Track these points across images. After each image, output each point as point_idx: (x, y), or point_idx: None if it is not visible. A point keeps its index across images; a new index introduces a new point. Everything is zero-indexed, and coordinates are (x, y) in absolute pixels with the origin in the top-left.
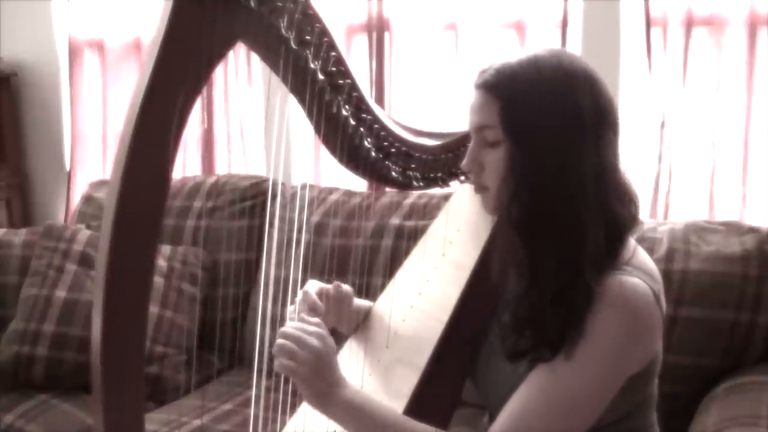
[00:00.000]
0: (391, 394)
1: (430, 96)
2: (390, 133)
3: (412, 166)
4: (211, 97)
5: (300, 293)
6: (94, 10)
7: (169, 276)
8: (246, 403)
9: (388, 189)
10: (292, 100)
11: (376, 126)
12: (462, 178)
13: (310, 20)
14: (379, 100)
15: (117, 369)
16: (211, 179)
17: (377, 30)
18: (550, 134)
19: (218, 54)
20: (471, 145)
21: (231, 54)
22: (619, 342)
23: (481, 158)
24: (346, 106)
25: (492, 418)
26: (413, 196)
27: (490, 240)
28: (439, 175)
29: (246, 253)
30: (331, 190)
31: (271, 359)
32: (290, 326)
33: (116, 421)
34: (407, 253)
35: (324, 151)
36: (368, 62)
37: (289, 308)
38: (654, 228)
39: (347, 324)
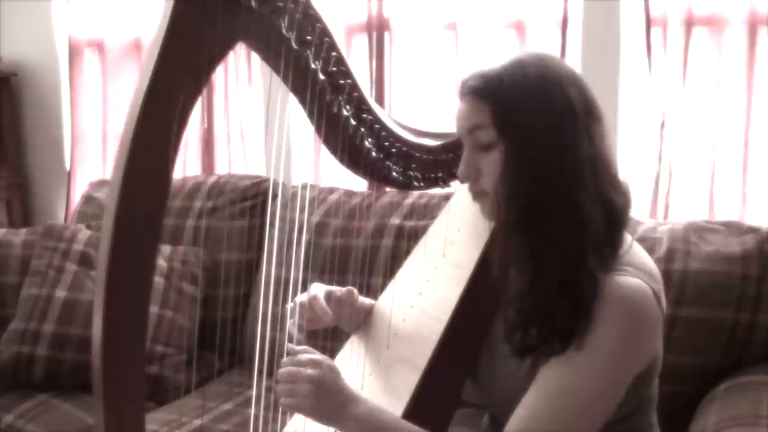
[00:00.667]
0: (392, 394)
1: (430, 96)
2: (390, 133)
3: (413, 166)
4: (211, 97)
5: (298, 298)
6: (94, 10)
7: (169, 276)
8: (246, 403)
9: (388, 189)
10: (293, 100)
11: (376, 126)
12: None
13: (310, 20)
14: (379, 100)
15: (117, 369)
16: (211, 179)
17: (377, 30)
18: (545, 129)
19: (219, 54)
20: (464, 151)
21: (231, 54)
22: (622, 342)
23: (476, 163)
24: (347, 107)
25: (492, 418)
26: (413, 196)
27: (491, 240)
28: (440, 175)
29: (246, 253)
30: (331, 190)
31: (271, 359)
32: (284, 363)
33: (116, 421)
34: (407, 253)
35: (324, 151)
36: (368, 62)
37: (288, 322)
38: (654, 228)
39: (350, 322)
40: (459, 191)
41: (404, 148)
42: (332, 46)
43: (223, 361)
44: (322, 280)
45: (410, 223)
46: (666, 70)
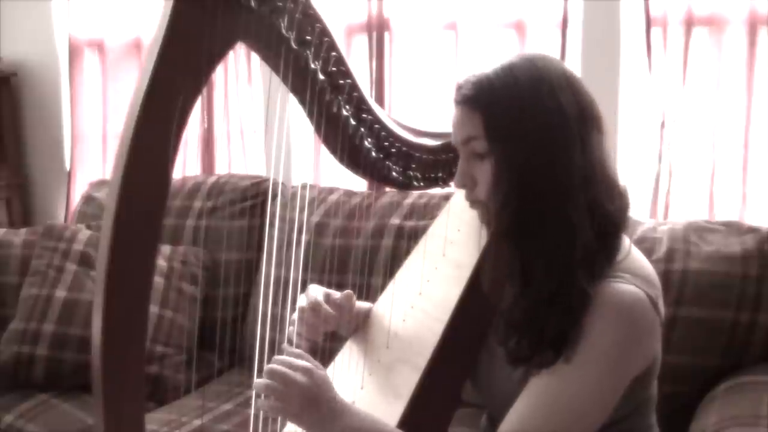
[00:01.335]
0: (392, 394)
1: (430, 96)
2: (390, 133)
3: (413, 166)
4: (211, 97)
5: (299, 304)
6: (94, 10)
7: (169, 276)
8: (246, 403)
9: (388, 189)
10: (293, 100)
11: (376, 126)
12: None
13: (310, 20)
14: (379, 100)
15: (117, 369)
16: (211, 179)
17: (377, 30)
18: (535, 139)
19: (219, 54)
20: (460, 161)
21: (231, 54)
22: (617, 348)
23: (472, 172)
24: (347, 106)
25: (491, 419)
26: (413, 196)
27: (488, 245)
28: (440, 175)
29: (246, 253)
30: (331, 190)
31: (271, 359)
32: (276, 361)
33: (116, 421)
34: (407, 253)
35: (324, 151)
36: (368, 62)
37: (288, 329)
38: (654, 228)
39: (349, 327)
40: (459, 191)
41: (404, 148)
42: (332, 46)
43: (223, 361)
44: (321, 281)
45: (410, 223)
46: (666, 70)
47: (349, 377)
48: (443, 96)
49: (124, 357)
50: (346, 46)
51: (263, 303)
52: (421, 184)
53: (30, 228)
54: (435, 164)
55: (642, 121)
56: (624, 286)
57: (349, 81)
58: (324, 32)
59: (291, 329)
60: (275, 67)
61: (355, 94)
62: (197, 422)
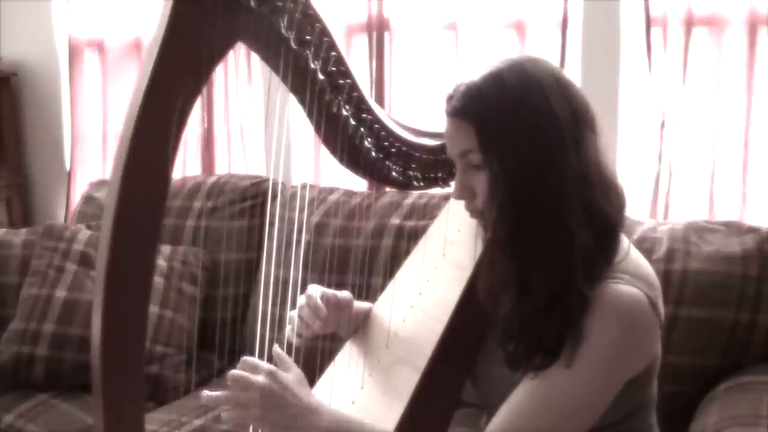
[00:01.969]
0: (392, 394)
1: (430, 96)
2: (390, 133)
3: (413, 166)
4: (211, 97)
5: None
6: (94, 10)
7: (169, 276)
8: None
9: (388, 189)
10: (292, 100)
11: (376, 126)
12: None
13: (310, 20)
14: (379, 100)
15: (117, 369)
16: (211, 179)
17: (377, 30)
18: (528, 145)
19: (218, 54)
20: (457, 173)
21: (231, 54)
22: (614, 350)
23: (470, 183)
24: (347, 106)
25: (490, 419)
26: (413, 196)
27: (483, 254)
28: (440, 175)
29: (246, 253)
30: (331, 190)
31: (271, 359)
32: (240, 366)
33: (116, 421)
34: (407, 253)
35: (324, 151)
36: (368, 62)
37: (287, 329)
38: (654, 228)
39: (348, 327)
40: None
41: (404, 148)
42: (332, 45)
43: (223, 361)
44: (321, 281)
45: (410, 223)
46: (666, 70)
47: (349, 377)
48: (443, 96)
49: (124, 357)
50: (346, 46)
51: (263, 303)
52: (421, 184)
53: (30, 228)
54: (435, 164)
55: (642, 121)
56: (623, 288)
57: (348, 81)
58: (324, 32)
59: (290, 328)
60: (275, 67)
61: (355, 94)
62: (197, 422)
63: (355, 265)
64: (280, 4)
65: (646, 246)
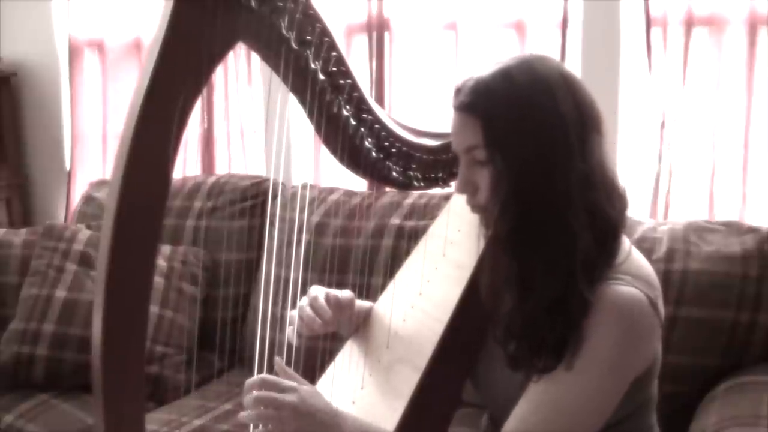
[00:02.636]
0: (392, 394)
1: (430, 96)
2: (391, 133)
3: (413, 166)
4: (211, 97)
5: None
6: (94, 10)
7: (169, 276)
8: None
9: (388, 189)
10: (293, 100)
11: (376, 126)
12: None
13: (310, 20)
14: (379, 100)
15: (117, 369)
16: (211, 179)
17: (377, 30)
18: (534, 144)
19: (219, 54)
20: (460, 167)
21: (231, 54)
22: (616, 351)
23: (473, 178)
24: (347, 107)
25: (491, 419)
26: (413, 196)
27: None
28: (440, 175)
29: (246, 253)
30: (331, 190)
31: (271, 359)
32: (262, 385)
33: (116, 421)
34: (407, 253)
35: (324, 151)
36: (368, 62)
37: (288, 329)
38: (654, 228)
39: (349, 327)
40: None
41: (404, 148)
42: (332, 46)
43: (223, 361)
44: (321, 280)
45: (410, 223)
46: (666, 70)
47: (350, 377)
48: (443, 96)
49: (124, 357)
50: (346, 46)
51: (263, 303)
52: (422, 184)
53: (30, 228)
54: (435, 164)
55: (642, 121)
56: (624, 289)
57: (349, 81)
58: (324, 32)
59: (290, 329)
60: (275, 67)
61: (356, 94)
62: (197, 422)
63: (356, 265)
64: (280, 4)
65: (646, 246)
